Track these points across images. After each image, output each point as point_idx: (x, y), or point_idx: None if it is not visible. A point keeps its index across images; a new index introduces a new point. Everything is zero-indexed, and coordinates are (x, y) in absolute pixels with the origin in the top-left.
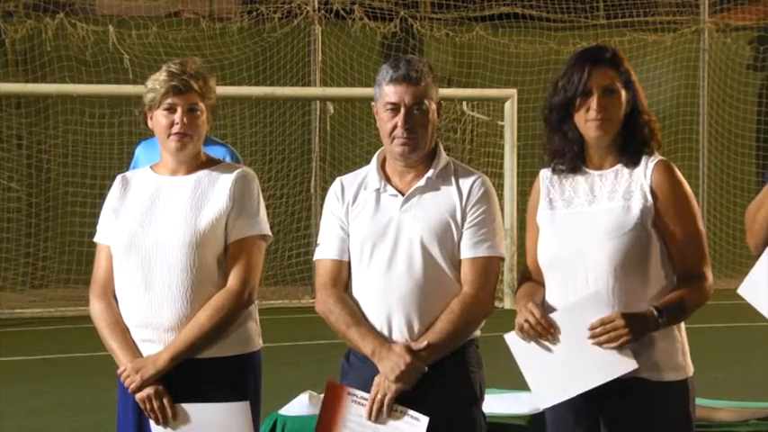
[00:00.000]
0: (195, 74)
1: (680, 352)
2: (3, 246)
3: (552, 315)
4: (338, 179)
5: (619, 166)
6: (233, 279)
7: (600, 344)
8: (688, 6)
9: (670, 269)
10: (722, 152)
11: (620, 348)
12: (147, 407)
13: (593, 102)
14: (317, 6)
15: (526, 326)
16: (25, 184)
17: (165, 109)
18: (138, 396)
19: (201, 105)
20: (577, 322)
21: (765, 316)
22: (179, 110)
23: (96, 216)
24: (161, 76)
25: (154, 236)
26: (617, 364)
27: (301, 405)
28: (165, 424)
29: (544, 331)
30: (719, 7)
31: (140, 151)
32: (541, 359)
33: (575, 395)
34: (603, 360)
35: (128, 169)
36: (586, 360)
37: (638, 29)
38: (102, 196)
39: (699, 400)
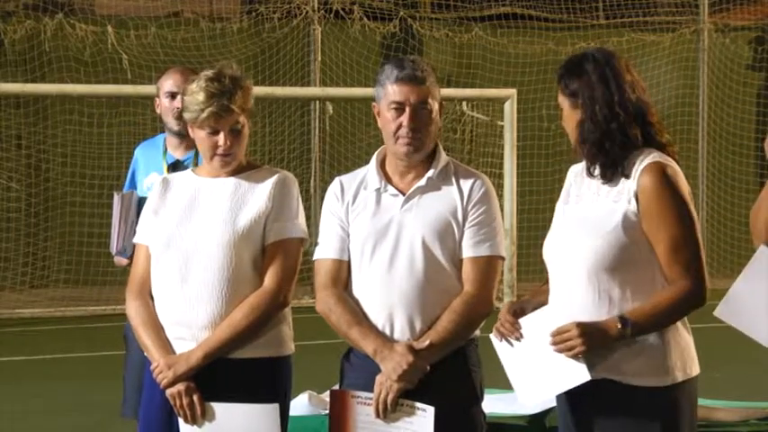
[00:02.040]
0: (232, 88)
1: (666, 357)
2: (2, 245)
3: (521, 319)
4: (337, 179)
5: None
6: (269, 280)
7: (560, 351)
8: (687, 6)
9: (659, 274)
10: (721, 152)
11: (575, 358)
12: (177, 403)
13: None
14: (316, 6)
15: (497, 324)
16: (25, 183)
17: (208, 132)
18: (169, 392)
19: (242, 119)
20: (539, 330)
21: (748, 334)
22: (222, 133)
23: (96, 216)
24: (199, 95)
25: (192, 235)
26: (570, 375)
27: (301, 405)
28: (194, 422)
29: (509, 331)
30: (719, 7)
31: (139, 152)
32: (516, 360)
33: (545, 398)
34: (559, 370)
35: (127, 170)
36: (547, 368)
37: (638, 29)
38: (102, 196)
39: (698, 400)
